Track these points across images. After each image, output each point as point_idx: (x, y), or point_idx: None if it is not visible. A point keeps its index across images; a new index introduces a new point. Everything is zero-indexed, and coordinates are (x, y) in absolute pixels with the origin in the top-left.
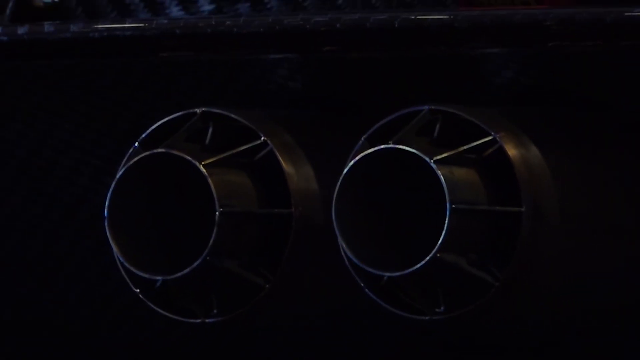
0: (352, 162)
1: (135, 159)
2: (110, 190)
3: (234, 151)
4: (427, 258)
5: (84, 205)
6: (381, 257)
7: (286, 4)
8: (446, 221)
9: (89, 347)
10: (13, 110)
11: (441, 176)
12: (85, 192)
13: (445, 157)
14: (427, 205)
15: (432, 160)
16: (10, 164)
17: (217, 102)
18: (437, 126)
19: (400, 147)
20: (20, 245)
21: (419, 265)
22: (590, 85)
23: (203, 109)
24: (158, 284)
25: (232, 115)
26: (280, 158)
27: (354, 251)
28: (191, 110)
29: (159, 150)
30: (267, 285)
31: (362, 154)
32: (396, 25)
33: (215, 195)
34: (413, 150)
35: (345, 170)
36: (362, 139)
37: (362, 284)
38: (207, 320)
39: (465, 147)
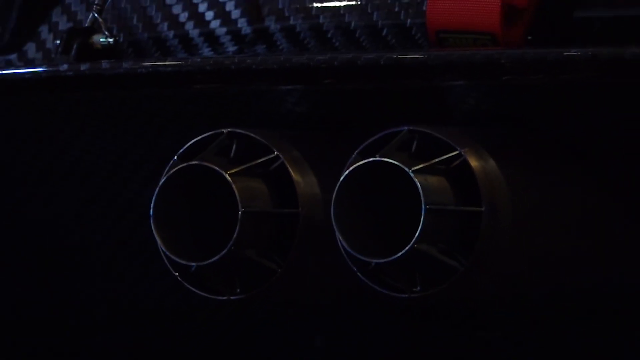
0: (347, 171)
1: (175, 169)
2: (155, 194)
3: (253, 163)
4: (406, 248)
5: (136, 207)
6: (370, 247)
7: (294, 46)
8: (422, 219)
9: (137, 318)
10: (78, 131)
11: (418, 183)
12: (136, 196)
13: (420, 167)
14: (406, 206)
15: (410, 170)
16: (76, 175)
17: (239, 124)
18: (414, 143)
19: (385, 159)
20: (86, 238)
21: (399, 254)
22: (535, 110)
23: (229, 130)
24: (193, 268)
25: (252, 135)
26: (289, 169)
27: (348, 243)
28: (219, 131)
29: (193, 162)
30: (279, 270)
31: (355, 165)
32: (381, 63)
33: (238, 198)
34: (395, 162)
35: (342, 178)
36: (355, 153)
37: (354, 269)
38: (231, 298)
39: (436, 160)
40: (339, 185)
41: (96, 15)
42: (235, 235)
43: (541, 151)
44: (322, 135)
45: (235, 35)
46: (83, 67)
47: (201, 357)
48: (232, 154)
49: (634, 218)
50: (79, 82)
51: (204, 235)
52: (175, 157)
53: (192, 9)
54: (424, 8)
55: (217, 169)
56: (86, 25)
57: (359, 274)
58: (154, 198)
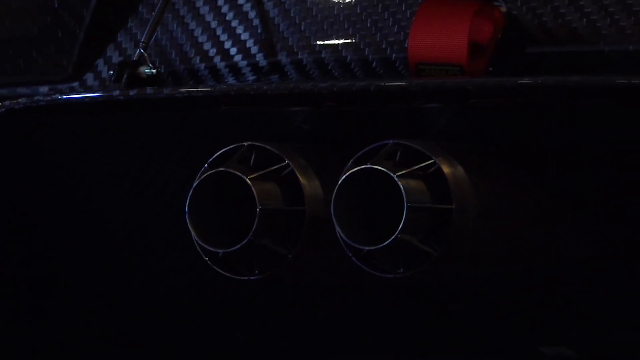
0: (344, 176)
1: (205, 175)
2: (189, 195)
3: (268, 170)
4: (392, 238)
5: (174, 205)
6: (362, 237)
7: (301, 76)
8: (404, 214)
9: (174, 296)
10: (127, 145)
11: (401, 186)
12: (174, 197)
13: (403, 173)
14: (392, 204)
15: (394, 175)
16: (126, 180)
17: (257, 138)
18: (398, 153)
19: (375, 166)
20: (135, 233)
21: (386, 242)
22: (495, 127)
23: (249, 143)
24: (220, 255)
25: (267, 147)
26: (297, 174)
27: (345, 233)
28: (241, 144)
29: (221, 169)
30: (289, 256)
31: (350, 171)
32: (372, 89)
33: (256, 198)
34: (383, 169)
35: (340, 182)
36: (350, 161)
37: (350, 255)
38: (250, 278)
39: (415, 167)
40: (338, 187)
41: (142, 50)
42: (254, 227)
43: (500, 160)
44: (324, 147)
45: (254, 67)
46: (131, 93)
47: (227, 326)
48: (251, 163)
49: (572, 212)
50: (128, 105)
51: (229, 228)
52: (206, 165)
53: (219, 45)
54: (406, 45)
55: (239, 174)
56: (134, 59)
57: (353, 258)
58: (188, 198)
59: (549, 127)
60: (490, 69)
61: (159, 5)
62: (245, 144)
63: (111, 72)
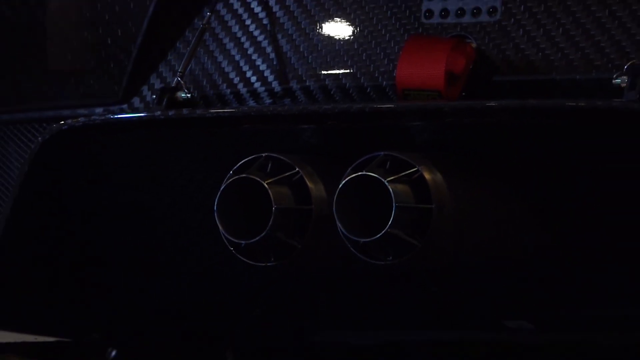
0: (344, 181)
1: (230, 180)
2: (217, 197)
3: (281, 176)
4: (383, 231)
5: (205, 205)
6: (359, 230)
7: (308, 99)
8: (393, 212)
9: (206, 279)
10: (166, 157)
11: (390, 189)
12: (205, 199)
13: (392, 179)
14: (383, 204)
15: (385, 180)
16: (164, 186)
17: (273, 150)
18: (388, 163)
19: (369, 173)
20: (174, 228)
21: (378, 235)
22: (468, 140)
23: (266, 154)
24: (242, 245)
25: (281, 157)
26: (305, 179)
27: (344, 228)
28: (259, 155)
29: (243, 175)
30: (299, 246)
31: (349, 177)
32: (366, 110)
33: (272, 199)
34: (375, 175)
35: (340, 186)
36: (349, 169)
37: (349, 245)
38: (267, 264)
39: (402, 174)
40: (339, 190)
41: (179, 79)
42: (270, 223)
43: (472, 167)
44: (327, 157)
45: (270, 92)
46: (170, 113)
47: (248, 303)
48: (268, 170)
49: (530, 209)
50: (168, 123)
51: (249, 223)
52: (231, 172)
53: (242, 74)
54: (394, 74)
55: (258, 179)
56: (172, 85)
57: (351, 249)
58: (216, 199)
59: (512, 140)
60: (463, 94)
61: (193, 41)
62: (263, 154)
63: (154, 96)
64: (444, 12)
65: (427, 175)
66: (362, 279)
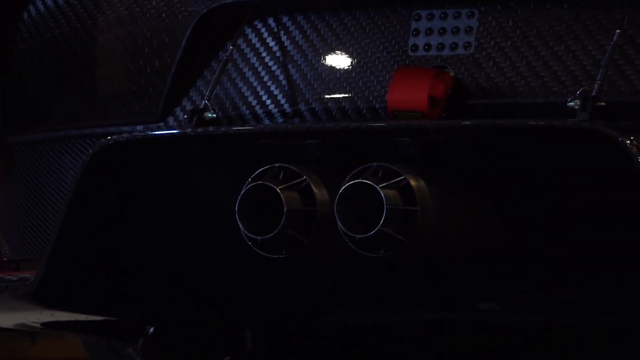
0: (343, 187)
1: (249, 186)
2: (238, 200)
3: (291, 183)
4: (375, 229)
5: (228, 207)
6: (356, 228)
7: (314, 119)
8: (384, 213)
9: (229, 269)
10: (195, 168)
11: (382, 193)
12: (228, 202)
13: (383, 185)
14: (375, 206)
15: (378, 186)
16: (193, 193)
17: (284, 161)
18: (380, 171)
19: (364, 181)
20: (201, 227)
21: (372, 232)
22: (448, 152)
23: (279, 164)
24: (259, 240)
25: (291, 167)
26: (311, 186)
27: (344, 226)
28: (273, 165)
29: (259, 182)
30: (306, 241)
31: (347, 184)
32: (362, 128)
33: (284, 201)
34: (370, 182)
35: (340, 191)
36: (348, 177)
37: (347, 241)
38: (280, 257)
39: (392, 181)
40: (339, 195)
41: (206, 102)
42: (282, 222)
43: (451, 175)
44: (330, 167)
45: (282, 112)
46: (199, 130)
47: (263, 289)
48: (280, 178)
49: (500, 210)
50: (197, 139)
51: (265, 222)
52: (249, 179)
53: (258, 98)
54: (386, 98)
55: (272, 185)
56: (201, 107)
57: (350, 243)
58: (237, 202)
59: (483, 153)
60: (443, 114)
61: (217, 71)
62: (276, 165)
63: (185, 116)
64: (427, 47)
65: (412, 183)
66: (358, 268)
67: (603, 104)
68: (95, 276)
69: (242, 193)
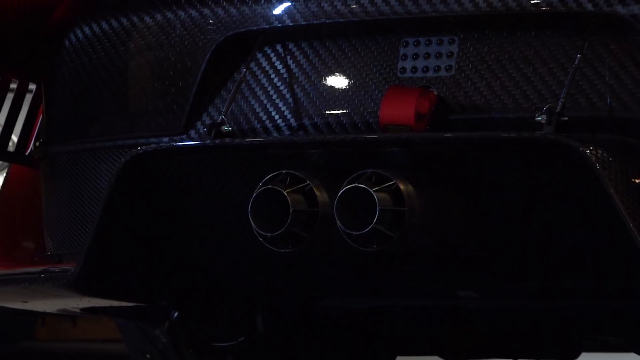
0: (342, 190)
1: (260, 189)
2: (251, 202)
3: (296, 187)
4: (369, 227)
5: (242, 208)
6: (353, 226)
7: (316, 131)
8: (377, 213)
9: (244, 260)
10: (213, 175)
11: (375, 196)
12: (243, 203)
13: (376, 189)
14: (370, 207)
15: (371, 190)
16: (210, 198)
17: (290, 168)
18: (374, 177)
19: (360, 185)
20: (220, 225)
21: (366, 230)
22: (433, 160)
23: (286, 171)
24: (269, 236)
25: (296, 173)
26: (314, 189)
27: (342, 224)
28: (281, 171)
29: (269, 186)
30: (309, 237)
31: (345, 187)
32: (358, 140)
33: (290, 203)
34: (364, 186)
35: (339, 194)
36: (345, 182)
37: (345, 237)
38: (287, 250)
39: (384, 185)
40: (338, 197)
41: (223, 117)
42: (288, 220)
43: (435, 180)
44: (330, 173)
45: (289, 126)
46: (217, 141)
47: (272, 277)
48: (287, 182)
49: (479, 209)
50: (215, 149)
51: (274, 221)
52: (260, 184)
53: (268, 114)
54: (378, 114)
55: (280, 189)
56: (218, 121)
57: (347, 239)
58: (250, 204)
59: (462, 160)
60: (428, 128)
61: (233, 90)
62: (283, 171)
63: (205, 129)
64: (414, 69)
65: (401, 186)
66: (354, 261)
67: (566, 118)
68: (127, 268)
69: (254, 196)
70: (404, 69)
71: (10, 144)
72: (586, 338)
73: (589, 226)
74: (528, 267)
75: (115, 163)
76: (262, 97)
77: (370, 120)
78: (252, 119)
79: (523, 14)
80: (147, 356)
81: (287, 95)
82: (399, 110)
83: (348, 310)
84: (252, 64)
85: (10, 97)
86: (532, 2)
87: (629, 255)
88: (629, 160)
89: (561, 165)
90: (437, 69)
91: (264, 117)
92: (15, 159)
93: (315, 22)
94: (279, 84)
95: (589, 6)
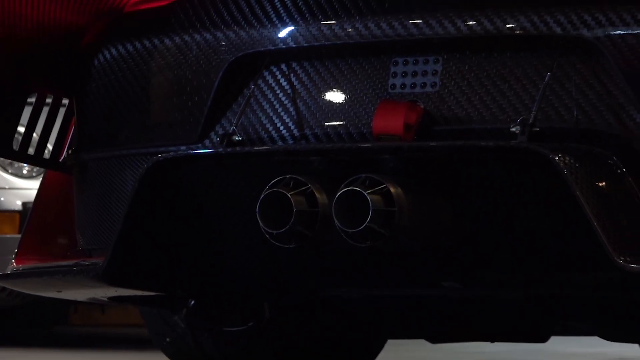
0: (339, 193)
1: (267, 192)
2: (259, 203)
3: (299, 189)
4: (364, 225)
5: (252, 209)
6: (349, 224)
7: (317, 141)
8: (370, 212)
9: (254, 255)
10: (226, 178)
11: (368, 198)
12: (252, 204)
13: (369, 191)
14: (364, 207)
15: (365, 192)
16: (224, 196)
17: (293, 172)
18: (367, 181)
19: (355, 188)
20: (233, 224)
21: (361, 227)
22: (420, 165)
23: (289, 175)
24: (275, 234)
25: (299, 177)
26: (314, 192)
27: (339, 223)
28: (285, 176)
29: (275, 189)
30: (310, 235)
31: (342, 190)
32: (353, 148)
33: (293, 204)
34: (359, 189)
35: (337, 196)
36: (342, 185)
37: (342, 234)
38: (290, 246)
39: (376, 188)
40: (336, 199)
41: (234, 127)
42: (292, 220)
43: (421, 183)
44: (329, 177)
45: (292, 136)
46: (228, 149)
47: (278, 269)
48: (290, 186)
49: (461, 209)
50: (227, 156)
51: (278, 220)
52: (267, 187)
53: (274, 125)
54: (371, 125)
55: (284, 192)
56: (230, 132)
57: (344, 236)
58: (258, 205)
59: (446, 166)
60: (415, 137)
61: (242, 104)
62: (287, 176)
63: (218, 139)
64: (403, 85)
65: (392, 189)
66: (350, 255)
67: (538, 129)
68: (149, 261)
69: (261, 197)
70: (394, 85)
71: (46, 152)
72: (555, 323)
73: (558, 224)
74: (505, 260)
75: (138, 168)
76: (269, 111)
77: (364, 130)
78: (260, 130)
79: (500, 37)
80: (167, 339)
81: (291, 109)
82: (390, 122)
83: (345, 299)
84: (260, 81)
85: (45, 110)
86: (507, 26)
87: (593, 250)
88: (593, 166)
89: (533, 171)
90: (424, 85)
91: (270, 128)
92: (50, 165)
93: (315, 44)
94: (283, 98)
95: (558, 30)
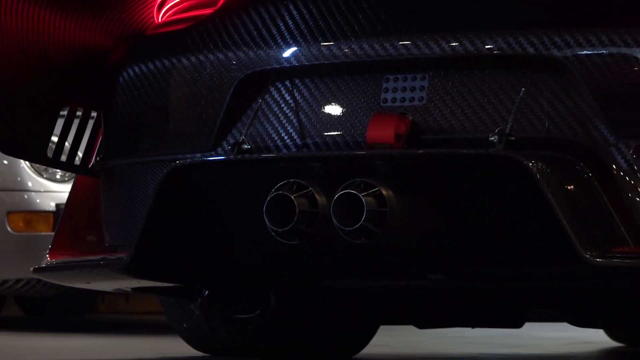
0: (336, 196)
1: (272, 195)
2: (265, 205)
3: (301, 192)
4: (359, 224)
5: (259, 209)
6: (346, 223)
7: (317, 150)
8: (364, 212)
9: (263, 250)
10: (236, 181)
11: (363, 199)
12: (259, 205)
13: (364, 194)
14: (359, 207)
15: (360, 194)
16: (231, 199)
17: (296, 177)
18: (362, 184)
19: (351, 191)
20: (244, 223)
21: (356, 226)
22: (410, 171)
23: (293, 179)
24: (280, 231)
25: (301, 181)
26: (315, 194)
27: (337, 222)
28: (289, 180)
29: (280, 192)
30: (311, 232)
31: (340, 192)
32: (350, 155)
33: (296, 205)
34: (355, 192)
35: (335, 198)
36: (339, 188)
37: (339, 232)
38: (293, 242)
39: (370, 191)
40: (334, 200)
41: (244, 137)
42: (295, 219)
43: (411, 186)
44: (328, 181)
45: (295, 145)
46: (239, 157)
47: (282, 262)
48: (294, 189)
49: (447, 209)
50: (237, 163)
51: (283, 219)
52: (273, 190)
53: (279, 135)
54: (366, 135)
55: (288, 194)
56: (240, 141)
57: (341, 234)
58: (264, 206)
59: (432, 170)
60: (405, 146)
61: (251, 116)
62: (291, 180)
63: (229, 147)
64: (393, 99)
65: (384, 192)
66: (347, 251)
67: (513, 138)
68: (168, 256)
69: (267, 199)
70: (385, 100)
71: (77, 158)
72: (529, 311)
73: (531, 223)
74: (485, 255)
75: (159, 174)
76: (274, 122)
77: (359, 140)
78: (267, 139)
79: (480, 56)
80: (184, 325)
81: (294, 120)
82: (382, 132)
83: (342, 290)
84: (267, 96)
85: (76, 122)
86: (486, 46)
87: (562, 245)
88: (563, 171)
89: (509, 176)
90: (412, 99)
91: (276, 138)
92: (80, 170)
93: (315, 62)
94: (287, 111)
95: (531, 50)
